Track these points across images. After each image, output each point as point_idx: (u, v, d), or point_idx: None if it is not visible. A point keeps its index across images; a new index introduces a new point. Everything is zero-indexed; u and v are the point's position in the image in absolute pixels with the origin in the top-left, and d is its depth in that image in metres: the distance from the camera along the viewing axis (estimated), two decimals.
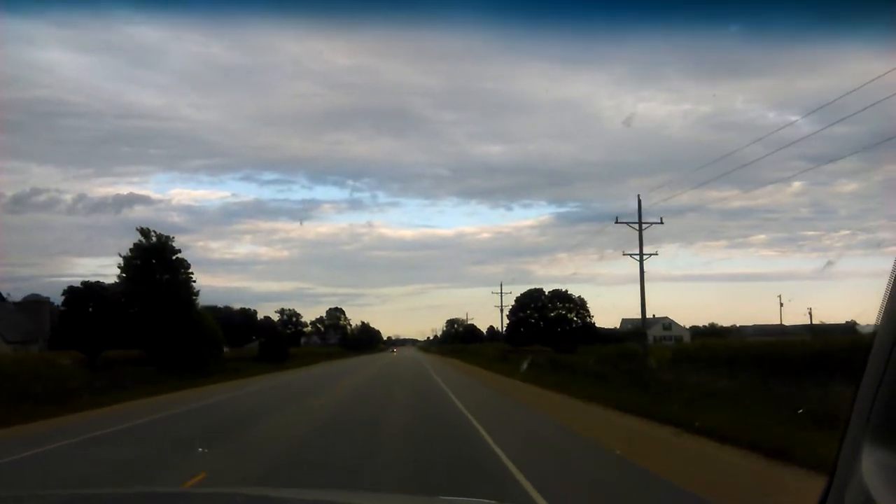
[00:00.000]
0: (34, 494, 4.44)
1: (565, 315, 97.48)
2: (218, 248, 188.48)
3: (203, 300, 51.98)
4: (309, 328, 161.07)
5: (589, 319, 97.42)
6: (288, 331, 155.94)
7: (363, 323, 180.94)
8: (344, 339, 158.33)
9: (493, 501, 3.58)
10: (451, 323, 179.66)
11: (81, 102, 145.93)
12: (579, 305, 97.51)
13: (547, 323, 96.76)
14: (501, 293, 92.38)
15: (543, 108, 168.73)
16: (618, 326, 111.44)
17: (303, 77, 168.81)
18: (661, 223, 38.10)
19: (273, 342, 75.42)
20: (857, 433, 1.39)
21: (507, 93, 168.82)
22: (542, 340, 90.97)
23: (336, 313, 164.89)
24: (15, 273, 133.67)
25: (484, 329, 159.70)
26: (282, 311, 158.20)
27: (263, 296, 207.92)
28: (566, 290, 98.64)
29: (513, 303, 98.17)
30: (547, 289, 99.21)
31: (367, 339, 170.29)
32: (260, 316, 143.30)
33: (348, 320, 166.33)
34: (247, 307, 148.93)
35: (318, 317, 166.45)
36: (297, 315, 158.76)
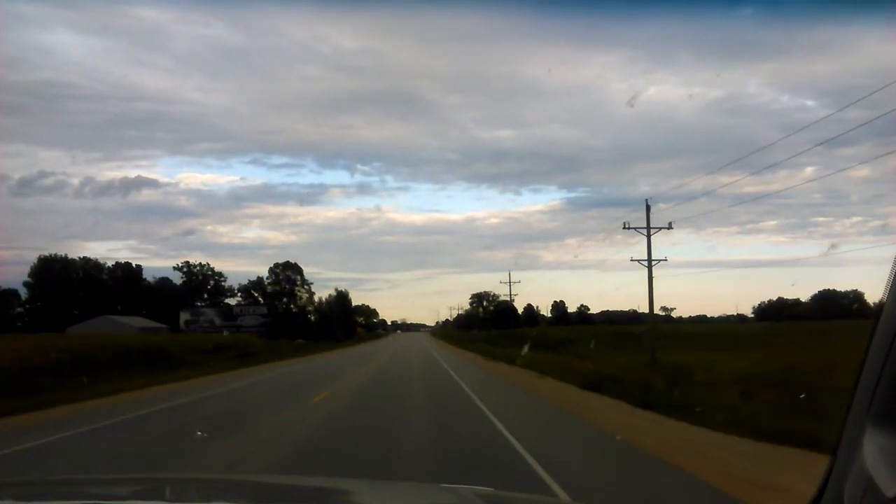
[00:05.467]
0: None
1: None
2: (226, 232, 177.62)
3: None
4: (238, 298, 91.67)
5: None
6: (202, 303, 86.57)
7: (338, 292, 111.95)
8: (303, 318, 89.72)
9: (489, 488, 2.95)
10: (477, 299, 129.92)
11: (87, 85, 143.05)
12: None
13: None
14: None
15: (552, 92, 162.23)
16: None
17: (310, 60, 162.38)
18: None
19: None
20: (859, 417, 1.35)
21: (516, 77, 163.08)
22: None
23: (288, 274, 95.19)
24: (23, 257, 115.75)
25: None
26: (188, 268, 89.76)
27: None
28: None
29: None
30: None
31: (341, 319, 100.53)
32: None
33: (309, 285, 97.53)
34: (127, 261, 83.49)
35: (253, 278, 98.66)
36: (219, 276, 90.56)
